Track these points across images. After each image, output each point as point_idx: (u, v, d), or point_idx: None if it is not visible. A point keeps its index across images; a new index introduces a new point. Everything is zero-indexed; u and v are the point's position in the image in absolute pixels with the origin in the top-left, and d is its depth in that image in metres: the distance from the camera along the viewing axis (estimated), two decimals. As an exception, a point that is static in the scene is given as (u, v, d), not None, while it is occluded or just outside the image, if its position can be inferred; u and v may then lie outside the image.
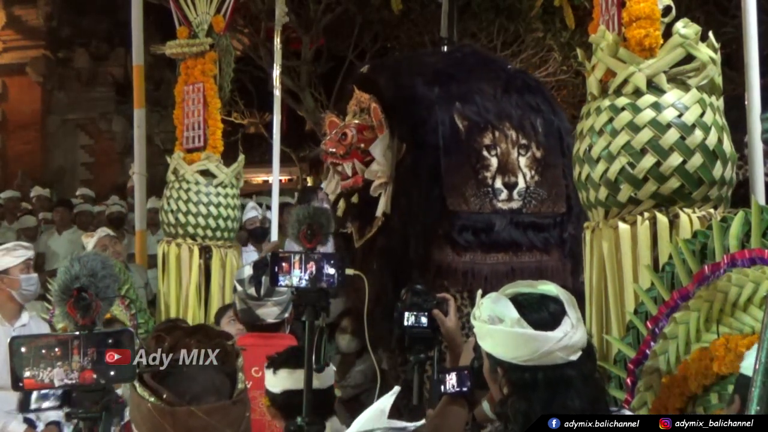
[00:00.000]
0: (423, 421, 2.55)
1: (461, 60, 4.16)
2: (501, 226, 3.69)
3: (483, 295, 2.15)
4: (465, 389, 2.48)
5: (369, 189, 3.83)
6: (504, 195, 3.72)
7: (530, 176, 3.77)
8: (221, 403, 1.81)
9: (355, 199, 3.94)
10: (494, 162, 3.72)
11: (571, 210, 3.83)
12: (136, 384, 1.82)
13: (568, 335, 2.01)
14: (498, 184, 3.73)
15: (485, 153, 3.73)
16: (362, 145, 3.87)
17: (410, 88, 3.83)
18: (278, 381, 2.98)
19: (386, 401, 2.48)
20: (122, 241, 7.32)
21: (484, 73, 3.98)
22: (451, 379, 2.50)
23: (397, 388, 2.42)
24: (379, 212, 3.76)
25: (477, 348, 2.26)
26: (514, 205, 3.74)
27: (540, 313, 2.04)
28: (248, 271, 3.88)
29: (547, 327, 2.02)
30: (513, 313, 2.02)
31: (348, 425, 2.70)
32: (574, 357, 2.01)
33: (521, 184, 3.74)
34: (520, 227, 3.72)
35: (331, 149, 3.90)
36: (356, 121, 3.92)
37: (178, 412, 1.76)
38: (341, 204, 3.96)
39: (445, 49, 7.50)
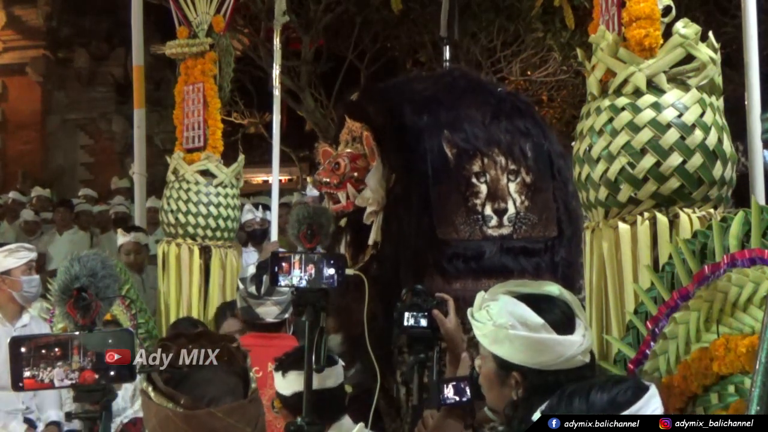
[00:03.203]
0: None
1: (450, 85, 4.13)
2: (491, 253, 3.67)
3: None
4: (464, 400, 2.47)
5: (360, 215, 3.83)
6: (494, 221, 3.71)
7: (520, 201, 3.76)
8: (238, 402, 1.82)
9: (343, 222, 3.94)
10: (484, 189, 3.71)
11: (562, 234, 3.83)
12: (151, 392, 1.82)
13: (586, 337, 2.02)
14: (488, 210, 3.71)
15: (474, 180, 3.72)
16: (355, 174, 3.86)
17: (398, 117, 3.81)
18: (288, 383, 2.98)
19: None
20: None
21: (473, 99, 3.97)
22: (449, 390, 2.49)
23: (360, 425, 2.41)
24: (370, 241, 3.76)
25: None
26: (505, 231, 3.72)
27: (556, 315, 2.03)
28: (253, 270, 3.89)
29: (566, 329, 2.01)
30: (535, 317, 2.01)
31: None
32: (588, 359, 2.02)
33: (511, 210, 3.73)
34: (511, 253, 3.71)
35: (325, 179, 3.89)
36: (349, 150, 3.92)
37: (198, 415, 1.76)
38: None
39: (446, 49, 7.51)
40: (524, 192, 3.77)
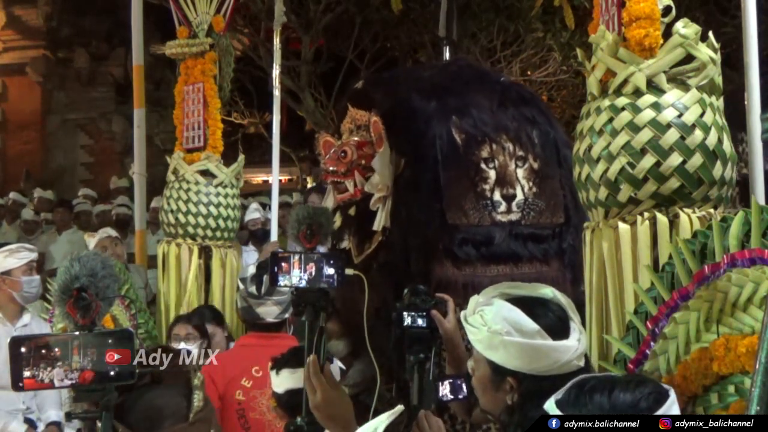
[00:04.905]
0: None
1: (456, 73, 4.14)
2: (501, 239, 3.67)
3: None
4: (460, 397, 2.46)
5: (367, 203, 3.81)
6: (503, 207, 3.70)
7: (528, 188, 3.75)
8: (178, 426, 1.80)
9: (352, 211, 3.92)
10: (492, 174, 3.71)
11: (569, 221, 3.82)
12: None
13: (581, 342, 2.01)
14: (497, 196, 3.70)
15: (483, 166, 3.72)
16: (363, 162, 3.85)
17: (407, 102, 3.81)
18: (281, 381, 3.00)
19: (382, 420, 2.43)
20: (124, 241, 7.32)
21: (480, 86, 3.96)
22: (445, 388, 2.48)
23: (400, 407, 2.40)
24: (377, 226, 3.74)
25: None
26: (513, 217, 3.72)
27: (551, 320, 2.02)
28: (253, 270, 3.89)
29: (561, 334, 1.99)
30: (530, 323, 1.99)
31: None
32: (582, 362, 2.01)
33: (520, 196, 3.73)
34: (520, 239, 3.70)
35: (331, 168, 3.88)
36: (355, 138, 3.91)
37: None
38: (337, 217, 3.94)
39: (446, 49, 7.51)
40: (532, 178, 3.77)
